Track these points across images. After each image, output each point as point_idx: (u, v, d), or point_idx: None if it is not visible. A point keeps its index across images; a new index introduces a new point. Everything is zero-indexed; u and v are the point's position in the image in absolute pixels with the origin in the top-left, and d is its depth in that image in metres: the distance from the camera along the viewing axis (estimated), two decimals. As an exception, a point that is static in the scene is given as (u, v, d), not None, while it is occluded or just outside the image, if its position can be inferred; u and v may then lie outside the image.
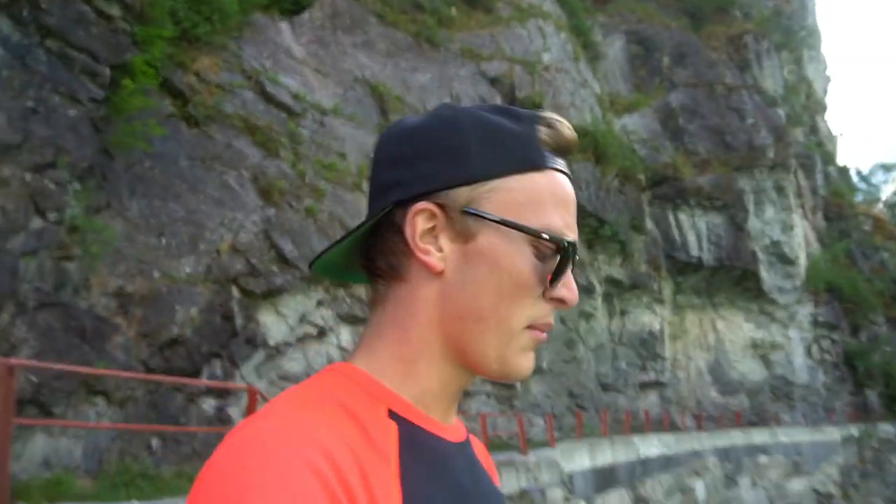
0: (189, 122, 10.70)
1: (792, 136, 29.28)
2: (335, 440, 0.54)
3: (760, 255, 24.90)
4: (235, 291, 10.14)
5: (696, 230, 23.54)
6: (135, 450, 8.03)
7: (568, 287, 0.66)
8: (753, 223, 24.95)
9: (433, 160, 0.64)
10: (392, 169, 0.66)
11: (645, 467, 12.66)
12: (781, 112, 27.74)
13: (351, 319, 13.56)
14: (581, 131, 19.26)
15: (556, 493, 9.27)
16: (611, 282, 20.76)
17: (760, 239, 25.18)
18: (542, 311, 0.65)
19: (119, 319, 8.61)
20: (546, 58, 20.56)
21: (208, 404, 9.04)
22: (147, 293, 8.92)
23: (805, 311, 26.88)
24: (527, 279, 0.63)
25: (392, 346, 0.65)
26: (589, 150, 19.38)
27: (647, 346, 21.61)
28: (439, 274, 0.64)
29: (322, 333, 12.94)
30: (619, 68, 26.11)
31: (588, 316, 19.65)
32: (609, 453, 11.43)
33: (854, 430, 25.21)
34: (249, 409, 5.23)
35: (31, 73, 7.78)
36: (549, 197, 0.65)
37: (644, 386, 21.62)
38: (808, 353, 26.64)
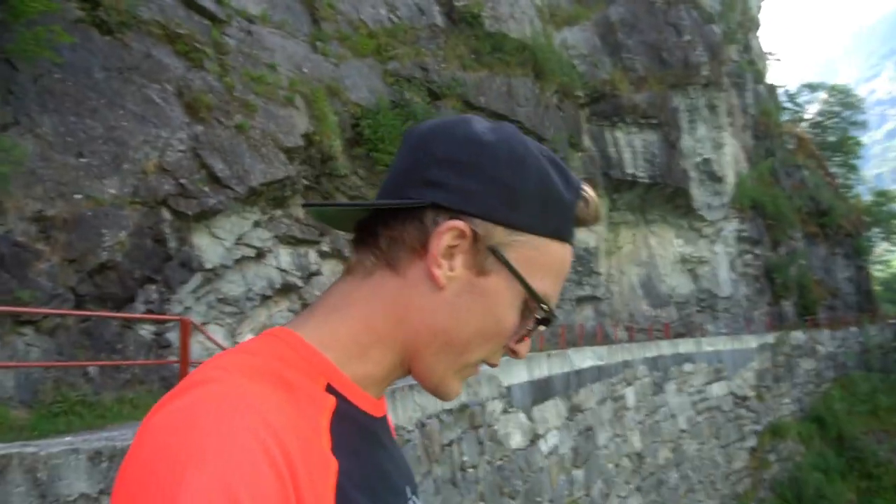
0: (101, 29, 9.79)
1: (726, 54, 29.61)
2: (278, 414, 0.55)
3: (692, 173, 25.63)
4: (166, 213, 9.69)
5: (632, 148, 23.90)
6: (71, 378, 7.78)
7: (527, 345, 0.71)
8: (686, 141, 25.51)
9: (488, 187, 0.64)
10: (444, 168, 0.65)
11: (579, 378, 13.29)
12: (717, 29, 27.89)
13: (290, 240, 13.29)
14: (520, 45, 18.85)
15: (496, 406, 9.64)
16: (549, 200, 20.99)
17: (692, 157, 25.84)
18: (497, 354, 0.70)
19: (40, 245, 8.11)
20: (486, -34, 19.73)
21: (145, 330, 8.79)
22: (70, 217, 8.39)
23: (731, 228, 28.15)
24: (507, 329, 0.67)
25: (352, 326, 0.66)
26: (528, 65, 19.05)
27: (584, 262, 22.26)
28: (438, 289, 0.65)
29: (260, 255, 12.64)
30: (561, -20, 25.42)
31: (527, 234, 19.92)
32: (545, 366, 11.90)
33: (770, 338, 27.18)
34: (183, 340, 5.10)
35: None
36: (557, 267, 0.68)
37: (580, 301, 22.42)
38: (732, 267, 28.13)
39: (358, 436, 0.63)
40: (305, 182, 13.36)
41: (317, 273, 13.62)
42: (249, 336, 12.32)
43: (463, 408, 8.76)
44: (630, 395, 16.15)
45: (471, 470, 8.40)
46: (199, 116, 10.92)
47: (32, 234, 7.95)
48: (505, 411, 10.03)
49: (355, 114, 14.10)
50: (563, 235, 0.69)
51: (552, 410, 11.76)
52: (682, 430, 18.64)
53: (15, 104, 8.32)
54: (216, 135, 11.27)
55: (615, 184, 23.78)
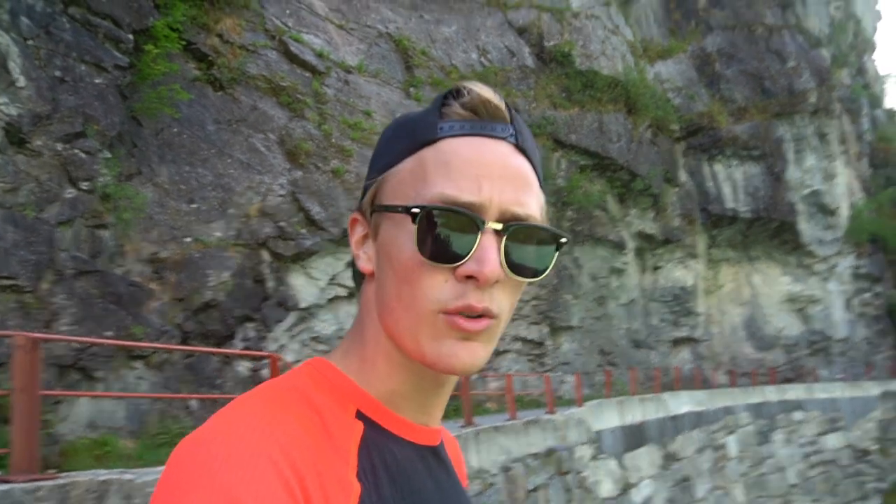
0: (214, 86, 10.67)
1: (836, 79, 27.94)
2: (295, 438, 0.55)
3: (799, 206, 24.16)
4: (266, 255, 10.27)
5: (732, 181, 22.91)
6: (175, 410, 8.33)
7: (478, 260, 0.58)
8: (793, 172, 24.14)
9: (368, 174, 0.68)
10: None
11: (675, 424, 12.68)
12: (826, 53, 26.46)
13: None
14: (612, 81, 18.69)
15: (585, 451, 9.36)
16: (643, 236, 20.44)
17: (800, 189, 24.39)
18: (454, 293, 0.59)
19: (153, 285, 8.81)
20: (575, 4, 19.86)
21: (243, 366, 9.28)
22: (180, 258, 9.09)
23: (846, 264, 26.14)
24: (412, 259, 0.60)
25: (356, 346, 0.67)
26: (620, 100, 18.83)
27: (680, 301, 21.37)
28: (371, 275, 0.66)
29: (352, 294, 13.09)
30: (653, 12, 25.08)
31: (619, 272, 19.45)
32: (638, 411, 11.45)
33: (894, 385, 24.77)
34: (273, 375, 5.33)
35: (55, 41, 7.80)
36: (433, 167, 0.61)
37: (676, 342, 21.48)
38: (848, 306, 26.02)
39: (388, 463, 0.62)
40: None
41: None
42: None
43: (550, 452, 8.58)
44: (732, 444, 15.17)
45: (557, 518, 8.18)
46: (298, 162, 11.58)
47: (147, 275, 8.66)
48: (595, 457, 9.72)
49: (445, 155, 14.43)
50: (422, 138, 0.63)
51: (645, 458, 11.26)
52: (792, 485, 17.23)
53: (138, 156, 9.18)
54: (314, 179, 11.90)
55: (714, 219, 22.81)
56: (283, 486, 0.51)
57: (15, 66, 7.27)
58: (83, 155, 7.96)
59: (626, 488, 10.18)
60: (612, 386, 13.25)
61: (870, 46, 37.82)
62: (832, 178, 25.57)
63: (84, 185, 7.95)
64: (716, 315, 23.35)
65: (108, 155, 8.26)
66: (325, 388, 0.63)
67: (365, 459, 0.60)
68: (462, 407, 7.79)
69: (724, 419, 15.01)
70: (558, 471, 8.65)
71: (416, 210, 0.59)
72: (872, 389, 23.38)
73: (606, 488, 9.62)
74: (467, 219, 0.59)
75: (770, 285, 24.51)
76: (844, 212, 26.23)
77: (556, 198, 16.68)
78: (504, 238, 0.60)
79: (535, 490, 7.83)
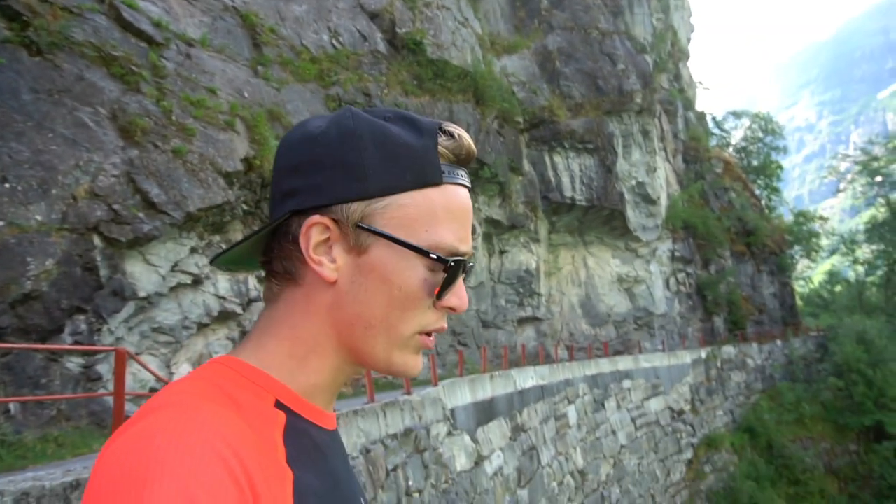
0: (30, 50, 9.49)
1: (657, 83, 30.98)
2: (234, 430, 0.57)
3: (627, 196, 26.54)
4: (97, 240, 9.38)
5: (570, 171, 24.59)
6: (-11, 415, 7.38)
7: (458, 296, 0.70)
8: (622, 165, 26.44)
9: (329, 173, 0.66)
10: (291, 176, 0.68)
11: (522, 398, 13.46)
12: (649, 59, 29.17)
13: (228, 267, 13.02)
14: (462, 72, 19.22)
15: (440, 429, 9.66)
16: (490, 222, 21.34)
17: (627, 180, 26.79)
18: (432, 319, 0.69)
19: (-41, 274, 7.71)
20: (427, -6, 20.11)
21: (73, 363, 8.44)
22: (-9, 244, 8.02)
23: (664, 248, 29.24)
24: (416, 292, 0.67)
25: (283, 343, 0.69)
26: (469, 91, 19.43)
27: (525, 283, 22.62)
28: (332, 283, 0.67)
29: (198, 282, 12.33)
30: (500, 7, 26.11)
31: (469, 256, 20.13)
32: (489, 387, 12.02)
33: (703, 353, 28.23)
34: (118, 372, 4.93)
35: None
36: (442, 212, 0.67)
37: (522, 321, 22.73)
38: (667, 285, 29.17)
39: (311, 447, 0.66)
40: (245, 207, 13.16)
41: (256, 299, 13.39)
42: (185, 366, 11.96)
43: (407, 432, 8.75)
44: (572, 413, 16.44)
45: (416, 494, 8.38)
46: (134, 140, 10.65)
47: (-48, 264, 7.56)
48: (450, 434, 10.06)
49: (296, 138, 14.02)
50: (431, 179, 0.67)
51: (496, 431, 11.86)
52: (623, 446, 19.08)
53: (-66, 127, 7.95)
54: (152, 159, 11.00)
55: (554, 206, 24.38)
56: (230, 478, 0.52)
57: None
58: None
59: (479, 461, 10.66)
60: (464, 365, 13.76)
61: (684, 55, 42.29)
62: (654, 171, 28.38)
63: None
64: (556, 295, 25.05)
65: None
66: (240, 383, 0.65)
67: (291, 446, 0.63)
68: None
69: (564, 391, 16.20)
70: (416, 449, 8.85)
71: (451, 263, 0.66)
72: (686, 357, 26.47)
73: (461, 462, 10.02)
74: (466, 266, 0.70)
75: (602, 267, 26.76)
76: (663, 201, 29.27)
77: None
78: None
79: (394, 469, 7.96)
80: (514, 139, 22.51)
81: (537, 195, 23.55)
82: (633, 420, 20.45)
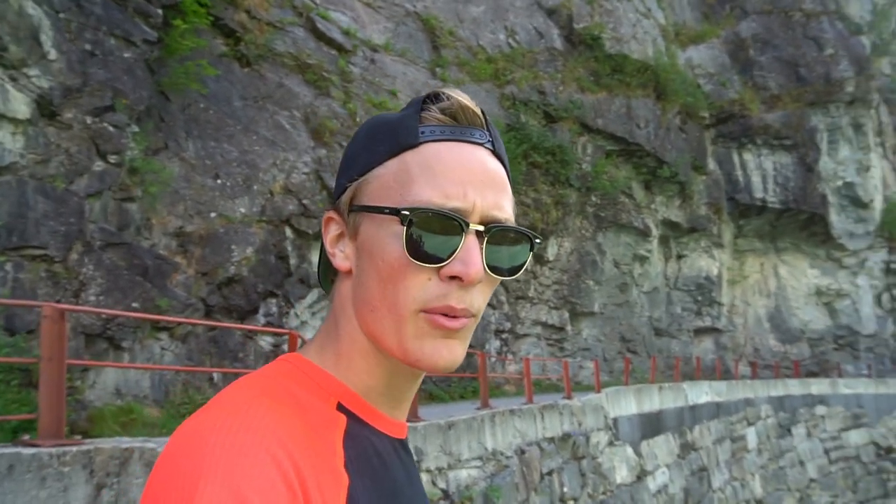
0: (241, 62, 10.70)
1: (876, 68, 27.10)
2: (290, 430, 0.57)
3: (831, 198, 23.63)
4: (289, 232, 10.35)
5: (762, 171, 22.46)
6: (198, 381, 8.48)
7: (460, 259, 0.61)
8: (825, 163, 23.58)
9: (340, 172, 0.70)
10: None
11: (694, 414, 12.59)
12: (866, 41, 25.66)
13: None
14: (642, 66, 18.36)
15: (601, 437, 9.35)
16: (668, 224, 20.19)
17: (832, 180, 23.83)
18: (436, 293, 0.62)
19: (179, 258, 8.94)
20: (608, -13, 19.47)
21: (265, 341, 9.41)
22: (205, 233, 9.19)
23: (877, 258, 25.53)
24: (397, 259, 0.62)
25: (332, 343, 0.68)
26: (649, 85, 18.51)
27: (704, 291, 21.12)
28: (348, 273, 0.67)
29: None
30: (687, -4, 24.55)
31: (643, 259, 19.26)
32: (657, 399, 11.39)
33: (921, 383, 24.28)
34: (291, 352, 5.38)
35: (86, 15, 7.87)
36: (418, 171, 0.63)
37: (699, 332, 21.27)
38: (878, 301, 25.49)
39: (371, 454, 0.64)
40: (419, 203, 13.73)
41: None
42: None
43: (566, 437, 8.59)
44: (752, 435, 15.05)
45: (571, 502, 8.20)
46: (322, 140, 11.61)
47: (172, 249, 8.78)
48: (611, 444, 9.71)
49: (470, 137, 14.34)
50: (405, 142, 0.64)
51: (663, 447, 11.22)
52: (812, 480, 17.06)
53: (165, 131, 9.27)
54: (338, 158, 11.93)
55: (742, 209, 22.42)
56: (282, 480, 0.52)
57: (46, 38, 7.35)
58: (112, 129, 8.06)
59: (641, 475, 10.16)
60: (631, 373, 13.18)
61: (912, 34, 36.54)
62: (867, 170, 24.93)
63: (112, 159, 8.06)
64: (740, 306, 23.03)
65: (136, 129, 8.35)
66: (304, 382, 0.64)
67: (350, 450, 0.61)
68: (479, 389, 7.82)
69: (744, 410, 14.88)
70: (573, 456, 8.66)
71: (405, 212, 0.61)
72: (899, 386, 22.98)
73: (622, 475, 9.61)
74: (453, 222, 0.61)
75: (797, 277, 24.09)
76: (878, 205, 25.58)
77: (581, 182, 16.51)
78: (485, 240, 0.63)
79: (549, 473, 7.85)
80: (698, 135, 21.05)
81: (722, 196, 21.83)
82: (826, 452, 18.19)
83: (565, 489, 8.10)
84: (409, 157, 0.64)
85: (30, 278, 7.03)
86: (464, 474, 6.21)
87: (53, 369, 3.26)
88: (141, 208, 8.48)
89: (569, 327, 16.62)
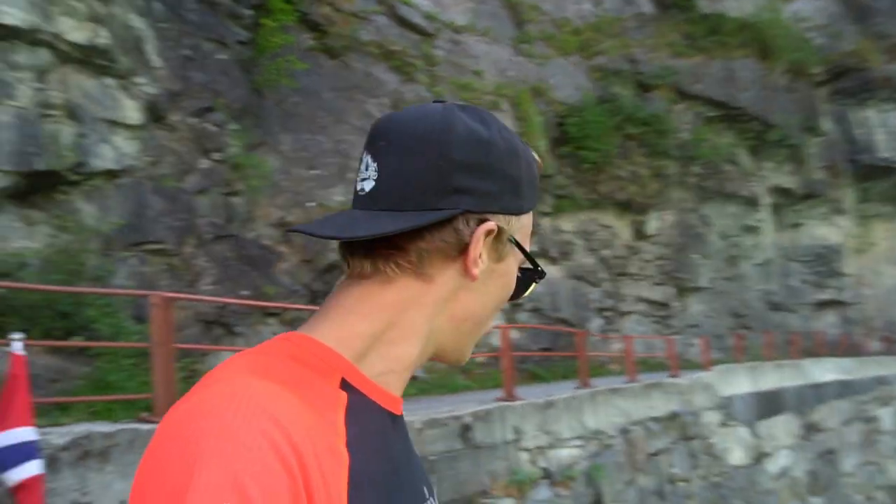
0: (329, 54, 10.96)
1: None
2: (288, 409, 0.56)
3: (972, 153, 21.14)
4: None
5: (887, 128, 20.45)
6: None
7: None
8: (964, 115, 21.10)
9: (502, 185, 0.69)
10: (466, 173, 0.68)
11: (818, 393, 11.72)
12: None
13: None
14: (742, 24, 17.19)
15: (712, 417, 8.91)
16: (779, 191, 18.86)
17: (973, 133, 21.30)
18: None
19: (282, 247, 9.34)
20: (703, -59, 18.32)
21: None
22: (305, 222, 9.54)
23: None
24: (508, 297, 0.75)
25: (373, 325, 0.67)
26: (751, 44, 17.28)
27: (825, 261, 19.60)
28: (471, 281, 0.69)
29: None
30: (793, -56, 22.64)
31: (753, 229, 18.11)
32: (774, 377, 10.70)
33: None
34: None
35: (184, 22, 8.32)
36: (531, 230, 0.75)
37: (820, 305, 19.80)
38: None
39: (373, 431, 0.64)
40: (511, 183, 13.58)
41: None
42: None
43: (673, 416, 8.24)
44: (887, 416, 13.83)
45: (682, 483, 7.87)
46: (411, 127, 11.72)
47: (276, 238, 9.17)
48: (724, 424, 9.23)
49: (560, 112, 14.01)
50: (536, 204, 0.76)
51: (782, 428, 10.54)
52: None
53: (263, 127, 9.67)
54: (427, 143, 12.01)
55: (864, 171, 20.52)
56: (280, 463, 0.51)
57: (151, 48, 7.84)
58: (213, 128, 8.50)
59: (759, 458, 9.60)
60: (744, 350, 12.45)
61: None
62: None
63: (216, 156, 8.50)
64: (868, 276, 21.16)
65: (236, 126, 8.76)
66: (306, 360, 0.63)
67: (353, 428, 0.61)
68: (578, 368, 7.64)
69: (876, 390, 13.69)
70: (683, 436, 8.30)
71: (544, 273, 0.78)
72: None
73: (737, 456, 9.13)
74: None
75: (934, 242, 21.81)
76: None
77: (681, 152, 15.71)
78: None
79: (656, 454, 7.57)
80: (809, 94, 19.45)
81: (841, 158, 20.08)
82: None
83: (674, 470, 7.78)
84: (531, 215, 0.75)
85: (151, 271, 7.56)
86: (564, 453, 6.08)
87: (163, 353, 3.48)
88: (245, 202, 8.91)
89: (675, 303, 15.94)
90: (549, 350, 13.06)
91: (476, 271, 0.68)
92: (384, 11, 11.89)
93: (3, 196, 6.37)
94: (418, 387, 10.43)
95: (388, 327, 0.67)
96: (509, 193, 0.69)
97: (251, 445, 0.51)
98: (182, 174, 8.13)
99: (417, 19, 12.17)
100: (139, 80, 7.70)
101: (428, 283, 0.68)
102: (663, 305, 15.66)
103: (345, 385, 0.64)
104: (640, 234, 15.27)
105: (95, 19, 7.10)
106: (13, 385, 2.97)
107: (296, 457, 0.53)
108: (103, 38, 7.13)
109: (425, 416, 4.87)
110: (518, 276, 0.75)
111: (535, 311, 13.71)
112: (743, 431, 9.56)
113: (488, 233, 0.68)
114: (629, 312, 15.04)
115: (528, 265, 0.76)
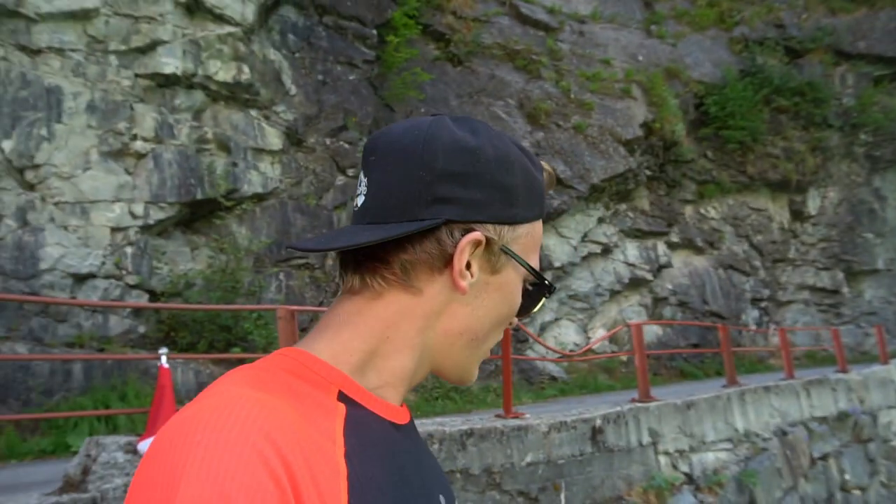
0: (453, 62, 11.20)
1: None
2: (281, 422, 0.55)
3: None
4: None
5: None
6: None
7: (517, 316, 0.74)
8: None
9: (490, 192, 0.67)
10: (449, 182, 0.67)
11: None
12: None
13: (636, 234, 13.13)
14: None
15: (893, 417, 7.94)
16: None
17: None
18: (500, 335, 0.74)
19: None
20: None
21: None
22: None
23: None
24: (513, 312, 0.71)
25: (367, 340, 0.67)
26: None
27: None
28: (460, 295, 0.68)
29: (607, 250, 12.80)
30: None
31: (943, 199, 15.80)
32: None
33: None
34: (505, 340, 5.48)
35: (315, 49, 8.93)
36: (535, 244, 0.71)
37: None
38: None
39: (374, 442, 0.64)
40: (648, 172, 13.01)
41: (667, 265, 13.14)
42: (601, 330, 12.57)
43: (842, 416, 7.45)
44: None
45: (857, 492, 7.10)
46: (539, 123, 11.62)
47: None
48: (909, 424, 8.20)
49: (698, 92, 13.16)
50: (543, 214, 0.73)
51: None
52: None
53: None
54: (556, 138, 11.82)
55: None
56: (270, 477, 0.51)
57: (287, 77, 8.51)
58: (346, 146, 9.04)
59: (958, 462, 8.38)
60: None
61: None
62: None
63: (350, 172, 9.03)
64: None
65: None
66: (302, 373, 0.63)
67: (352, 440, 0.61)
68: (724, 366, 7.14)
69: None
70: (856, 438, 7.49)
71: (553, 286, 0.74)
72: None
73: (928, 461, 8.04)
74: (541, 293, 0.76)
75: None
76: None
77: (843, 121, 14.09)
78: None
79: (823, 458, 6.89)
80: None
81: None
82: None
83: (847, 476, 7.03)
84: (538, 225, 0.71)
85: (297, 284, 8.22)
86: (710, 457, 5.73)
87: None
88: (379, 213, 9.37)
89: (845, 289, 14.34)
90: (697, 346, 12.32)
91: (464, 283, 0.66)
92: (507, 12, 11.92)
93: (171, 224, 7.26)
94: (558, 388, 10.33)
95: (382, 341, 0.67)
96: (499, 202, 0.67)
97: (240, 459, 0.51)
98: (321, 192, 8.74)
99: (541, 15, 12.06)
100: (278, 108, 8.39)
101: (417, 296, 0.67)
102: (832, 293, 14.15)
103: (342, 397, 0.63)
104: (798, 216, 13.92)
105: (239, 58, 7.86)
106: (160, 394, 3.38)
107: (286, 471, 0.53)
108: (246, 74, 7.87)
109: (552, 418, 4.84)
110: (529, 290, 0.72)
111: (682, 305, 13.00)
112: (935, 433, 8.40)
113: (476, 244, 0.66)
114: (790, 302, 13.78)
115: (537, 280, 0.73)
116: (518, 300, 0.70)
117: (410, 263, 0.65)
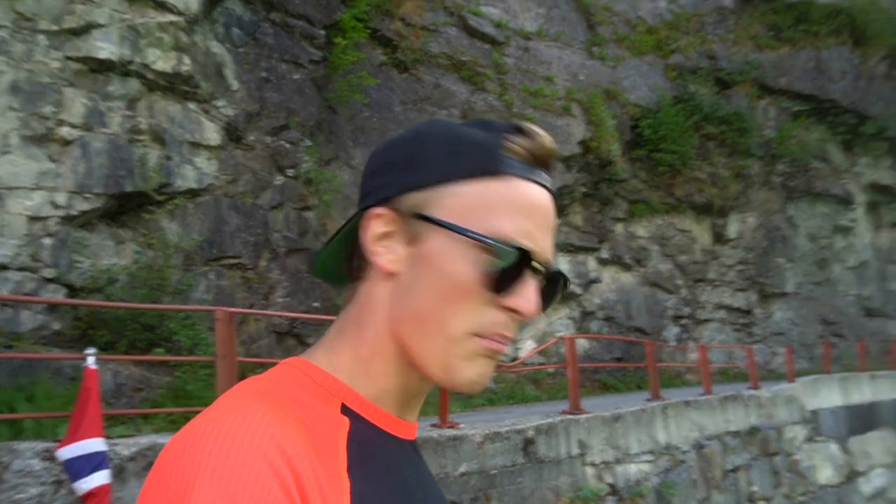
0: (399, 68, 11.19)
1: None
2: (289, 434, 0.56)
3: None
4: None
5: None
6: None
7: (524, 297, 0.64)
8: None
9: (395, 169, 0.66)
10: (368, 180, 0.69)
11: (919, 407, 10.89)
12: None
13: (568, 248, 13.48)
14: (832, 10, 16.19)
15: (797, 432, 8.47)
16: (876, 189, 17.63)
17: None
18: (493, 320, 0.64)
19: (353, 258, 9.62)
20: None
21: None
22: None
23: None
24: (466, 282, 0.63)
25: (351, 344, 0.67)
26: (844, 31, 16.25)
27: (926, 261, 18.16)
28: (391, 275, 0.65)
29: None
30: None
31: (845, 230, 17.02)
32: (867, 390, 10.04)
33: None
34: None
35: (260, 46, 8.74)
36: (502, 203, 0.64)
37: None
38: None
39: (376, 456, 0.63)
40: (583, 189, 13.40)
41: (596, 280, 13.57)
42: (530, 342, 12.82)
43: (753, 431, 7.90)
44: None
45: (762, 502, 7.53)
46: (480, 135, 11.77)
47: (347, 251, 9.46)
48: (810, 440, 8.76)
49: (634, 115, 13.68)
50: (491, 169, 0.64)
51: (878, 444, 9.87)
52: None
53: (335, 142, 10.00)
54: (496, 150, 12.02)
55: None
56: (280, 487, 0.51)
57: (229, 72, 8.28)
58: (288, 145, 8.88)
59: (851, 476, 9.04)
60: (835, 360, 11.74)
61: None
62: None
63: (290, 172, 8.87)
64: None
65: (309, 143, 9.10)
66: (307, 385, 0.64)
67: (354, 453, 0.61)
68: (647, 380, 7.45)
69: None
70: (763, 451, 7.94)
71: (500, 245, 0.62)
72: None
73: (825, 475, 8.63)
74: (530, 261, 0.64)
75: None
76: None
77: (764, 151, 14.98)
78: (544, 282, 0.67)
79: (734, 471, 7.28)
80: (912, 83, 18.06)
81: (950, 151, 18.52)
82: None
83: (754, 488, 7.45)
84: (493, 185, 0.64)
85: (228, 284, 7.99)
86: (633, 469, 5.96)
87: (226, 366, 3.69)
88: (317, 216, 9.24)
89: (757, 310, 15.22)
90: (621, 360, 12.77)
91: (380, 260, 0.65)
92: (454, 23, 12.02)
93: (95, 216, 6.92)
94: (486, 397, 10.46)
95: (360, 343, 0.67)
96: (401, 172, 0.66)
97: (251, 469, 0.51)
98: (258, 191, 8.54)
99: (488, 28, 12.23)
100: (219, 103, 8.15)
101: (367, 284, 0.67)
102: (745, 312, 14.98)
103: (345, 410, 0.64)
104: (719, 238, 14.68)
105: (180, 48, 7.59)
106: (86, 397, 3.22)
107: (295, 482, 0.53)
108: (186, 65, 7.61)
109: (486, 429, 4.91)
110: (479, 262, 0.63)
111: (608, 319, 13.43)
112: (833, 447, 9.03)
113: (382, 219, 0.65)
114: (708, 320, 14.49)
115: (490, 241, 0.62)
116: (458, 270, 0.63)
117: (356, 257, 0.68)
